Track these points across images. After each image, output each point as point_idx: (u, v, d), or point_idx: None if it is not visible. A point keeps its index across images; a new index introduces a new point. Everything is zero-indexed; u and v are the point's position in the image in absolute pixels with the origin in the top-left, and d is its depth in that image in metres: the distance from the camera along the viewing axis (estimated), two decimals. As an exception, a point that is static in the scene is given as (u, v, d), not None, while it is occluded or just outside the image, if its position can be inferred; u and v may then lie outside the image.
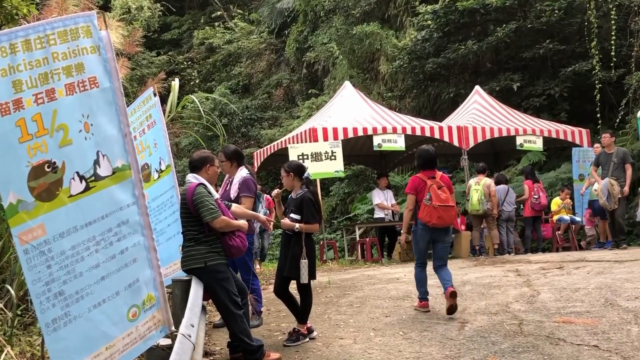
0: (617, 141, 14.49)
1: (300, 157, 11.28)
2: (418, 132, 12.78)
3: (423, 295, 6.73)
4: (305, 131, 12.35)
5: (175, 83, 7.52)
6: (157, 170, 6.16)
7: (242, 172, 6.31)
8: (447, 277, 6.45)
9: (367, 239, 13.20)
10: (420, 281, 6.71)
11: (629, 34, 15.24)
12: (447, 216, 6.47)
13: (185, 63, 29.85)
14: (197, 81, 29.17)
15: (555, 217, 12.72)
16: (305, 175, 6.06)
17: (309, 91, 24.80)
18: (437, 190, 6.52)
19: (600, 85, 14.43)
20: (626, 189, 10.52)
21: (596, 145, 11.96)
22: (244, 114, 25.18)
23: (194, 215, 4.85)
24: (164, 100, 8.28)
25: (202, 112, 10.33)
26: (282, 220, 6.00)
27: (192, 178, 5.02)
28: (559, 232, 12.78)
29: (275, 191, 6.31)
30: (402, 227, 7.20)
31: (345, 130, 12.07)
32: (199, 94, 22.78)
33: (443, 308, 6.54)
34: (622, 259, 8.60)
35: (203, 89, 27.74)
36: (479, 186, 11.85)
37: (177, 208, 5.35)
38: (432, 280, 6.78)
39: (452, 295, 6.23)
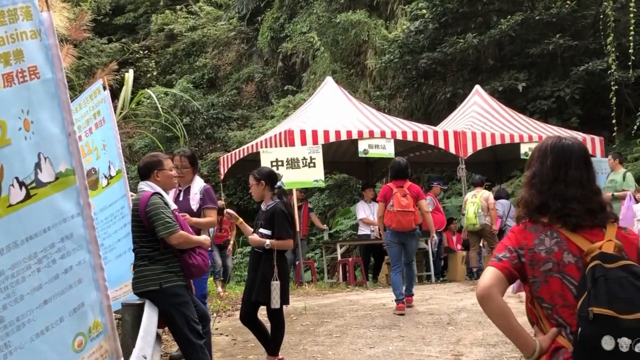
0: (635, 150, 14.78)
1: (274, 164, 11.29)
2: (410, 137, 12.88)
3: (398, 297, 8.28)
4: (280, 134, 12.37)
5: (129, 75, 7.50)
6: (105, 176, 6.13)
7: (200, 181, 6.30)
8: (409, 282, 8.44)
9: (350, 259, 13.24)
10: (396, 284, 8.31)
11: (650, 29, 15.53)
12: (405, 220, 8.32)
13: (141, 52, 29.72)
14: (154, 73, 29.04)
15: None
16: (278, 184, 6.07)
17: (285, 87, 24.84)
18: (401, 197, 8.39)
19: (616, 86, 14.65)
20: None
21: (608, 159, 12.11)
22: (209, 113, 25.11)
23: (147, 229, 4.82)
24: (115, 94, 8.26)
25: (160, 110, 10.30)
26: (250, 237, 6.00)
27: (146, 186, 4.98)
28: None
29: (227, 212, 6.30)
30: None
31: (326, 133, 12.11)
32: (156, 88, 22.67)
33: (435, 338, 6.59)
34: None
35: (162, 83, 27.62)
36: (476, 199, 11.98)
37: (128, 221, 5.32)
38: (422, 304, 6.81)
39: (407, 302, 8.34)
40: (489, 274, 2.42)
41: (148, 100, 19.26)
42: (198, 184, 6.24)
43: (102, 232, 5.89)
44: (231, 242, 11.72)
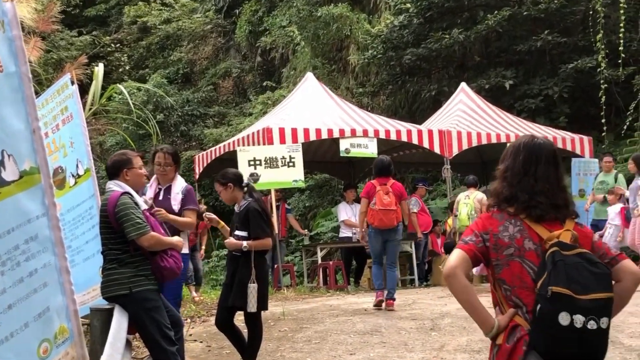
0: (625, 151, 14.93)
1: (252, 163, 11.28)
2: (393, 137, 12.92)
3: (378, 287, 8.90)
4: (258, 131, 12.36)
5: (100, 69, 7.44)
6: (73, 175, 6.09)
7: (182, 180, 6.29)
8: (391, 285, 8.82)
9: (331, 262, 13.25)
10: (376, 275, 9.01)
11: (640, 25, 15.72)
12: (386, 218, 8.74)
13: (112, 45, 29.54)
14: (127, 68, 28.91)
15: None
16: (245, 182, 6.08)
17: (264, 83, 24.81)
18: (383, 195, 8.79)
19: (606, 85, 14.82)
20: None
21: (606, 159, 12.25)
22: (184, 109, 25.02)
23: (116, 230, 4.79)
24: (85, 89, 8.21)
25: (132, 106, 10.25)
26: (226, 241, 5.99)
27: (114, 185, 4.95)
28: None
29: (207, 215, 6.29)
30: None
31: (306, 131, 12.12)
32: (129, 83, 22.53)
33: (418, 344, 6.62)
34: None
35: (134, 78, 27.48)
36: (469, 200, 12.05)
37: (97, 222, 5.29)
38: (404, 309, 6.83)
39: (379, 303, 8.76)
40: (455, 255, 2.76)
41: (120, 96, 19.17)
42: (180, 184, 6.23)
43: (69, 234, 5.86)
44: (203, 247, 11.68)
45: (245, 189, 6.06)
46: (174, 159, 6.25)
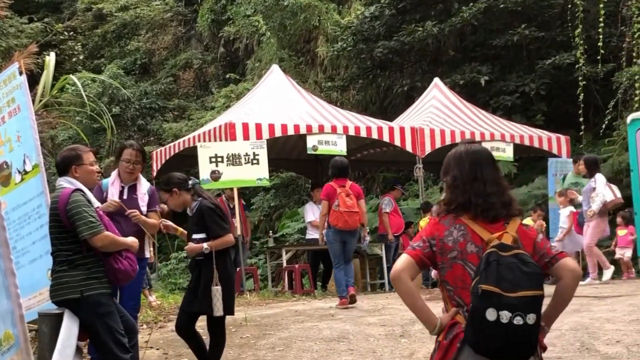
0: (603, 151, 15.16)
1: (213, 160, 11.22)
2: (363, 133, 12.95)
3: (342, 294, 9.37)
4: (220, 126, 12.30)
5: (51, 58, 7.37)
6: (20, 171, 6.02)
7: (145, 180, 6.28)
8: (349, 275, 9.60)
9: (297, 266, 13.25)
10: (339, 281, 9.49)
11: (620, 21, 15.95)
12: (351, 220, 9.45)
13: (66, 33, 29.22)
14: (81, 57, 28.61)
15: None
16: (191, 183, 6.07)
17: (227, 76, 24.74)
18: (345, 197, 9.39)
19: (584, 82, 15.01)
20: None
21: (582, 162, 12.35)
22: (142, 102, 24.85)
23: (68, 230, 4.75)
24: (36, 80, 8.10)
25: (85, 98, 10.14)
26: (186, 247, 5.97)
27: (65, 182, 4.91)
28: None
29: (163, 222, 6.27)
30: None
31: (271, 127, 12.09)
32: (82, 73, 22.30)
33: (387, 351, 6.65)
34: (602, 295, 8.97)
35: (89, 68, 27.23)
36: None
37: (46, 221, 5.23)
38: (373, 314, 6.85)
39: (352, 297, 9.30)
40: (402, 260, 3.08)
41: (73, 87, 18.93)
42: (145, 184, 6.25)
43: (15, 234, 5.79)
44: (151, 249, 11.55)
45: (193, 189, 6.03)
46: (143, 157, 6.26)
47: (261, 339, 7.54)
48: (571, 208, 11.77)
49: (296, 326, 8.12)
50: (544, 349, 3.12)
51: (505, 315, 2.81)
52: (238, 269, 12.25)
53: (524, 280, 2.86)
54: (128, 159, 6.11)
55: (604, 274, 10.99)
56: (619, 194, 11.00)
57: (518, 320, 2.81)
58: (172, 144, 14.41)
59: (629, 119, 12.29)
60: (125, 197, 6.12)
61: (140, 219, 5.84)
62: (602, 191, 10.63)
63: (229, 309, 5.94)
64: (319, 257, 13.24)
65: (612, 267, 11.01)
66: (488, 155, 3.26)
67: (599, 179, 10.78)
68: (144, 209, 6.09)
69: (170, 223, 6.28)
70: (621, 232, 12.04)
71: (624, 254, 11.92)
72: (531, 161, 16.51)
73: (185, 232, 6.23)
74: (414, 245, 3.12)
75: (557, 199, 12.17)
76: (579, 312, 7.78)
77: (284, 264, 13.04)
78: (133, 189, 6.18)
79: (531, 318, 2.83)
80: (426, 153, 13.25)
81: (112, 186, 6.14)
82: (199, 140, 12.45)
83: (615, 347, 6.21)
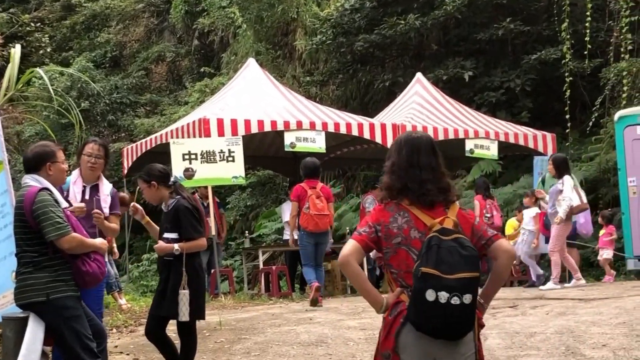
0: (590, 149, 15.30)
1: (187, 157, 11.19)
2: (343, 130, 12.97)
3: (310, 280, 9.96)
4: (194, 122, 12.27)
5: (17, 50, 7.32)
6: (-16, 168, 5.96)
7: (106, 181, 6.24)
8: (320, 279, 10.09)
9: (274, 267, 13.23)
10: (309, 272, 10.05)
11: (608, 15, 16.09)
12: (322, 223, 9.95)
13: (32, 25, 28.92)
14: (48, 50, 28.32)
15: (510, 243, 13.29)
16: (172, 179, 6.04)
17: (202, 69, 24.66)
18: (315, 199, 9.83)
19: (571, 78, 15.13)
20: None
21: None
22: (112, 97, 24.70)
23: (33, 230, 4.73)
24: (0, 73, 8.02)
25: (52, 92, 10.06)
26: (155, 246, 5.93)
27: (32, 180, 4.88)
28: (515, 262, 13.28)
29: (134, 205, 6.24)
30: None
31: (247, 123, 12.07)
32: (50, 66, 22.15)
33: (367, 356, 6.67)
34: (588, 297, 9.05)
35: (57, 61, 27.03)
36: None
37: (10, 221, 5.20)
38: (353, 318, 6.86)
39: (317, 289, 9.77)
40: (349, 245, 3.40)
41: (40, 81, 18.79)
42: (108, 185, 6.24)
43: (-22, 234, 5.74)
44: (115, 246, 11.49)
45: (173, 186, 6.00)
46: (106, 153, 6.20)
47: (236, 344, 7.53)
48: (536, 209, 11.76)
49: (273, 330, 8.12)
50: (482, 326, 3.43)
51: (443, 296, 3.12)
52: (213, 271, 12.25)
53: (462, 263, 3.18)
54: (90, 153, 6.06)
55: (572, 281, 10.83)
56: (584, 199, 10.89)
57: (455, 300, 3.12)
58: (143, 141, 14.34)
59: (616, 116, 12.44)
60: (87, 197, 6.08)
61: (102, 222, 5.81)
62: (570, 195, 10.39)
63: (199, 313, 5.91)
64: (297, 258, 13.23)
65: (583, 280, 10.88)
66: (428, 142, 3.52)
67: (567, 181, 10.51)
68: (106, 210, 6.06)
69: (140, 208, 6.25)
70: (600, 232, 12.12)
71: (602, 255, 11.98)
72: (516, 159, 16.62)
73: (153, 224, 6.21)
74: (360, 231, 3.43)
75: (524, 200, 12.22)
76: (564, 315, 7.86)
77: (261, 266, 13.04)
78: (95, 189, 6.13)
79: (467, 298, 3.15)
80: (408, 151, 13.27)
81: (75, 185, 6.09)
82: (172, 137, 12.41)
83: (602, 351, 6.26)
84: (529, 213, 11.87)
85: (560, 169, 10.64)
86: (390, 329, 3.35)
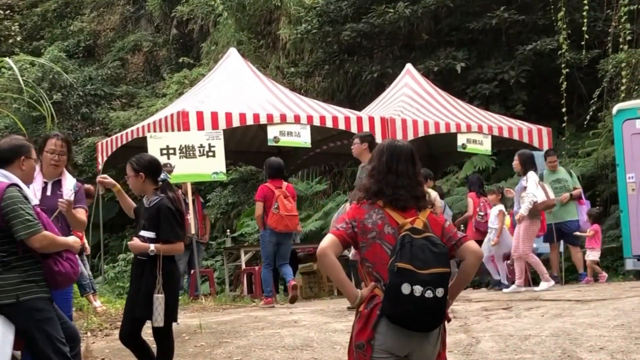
0: (587, 144, 15.37)
1: (165, 152, 11.16)
2: (329, 124, 12.97)
3: (268, 294, 10.56)
4: (172, 115, 12.23)
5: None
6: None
7: (69, 175, 6.20)
8: (288, 272, 10.67)
9: (257, 268, 13.20)
10: (267, 281, 10.62)
11: (606, 3, 16.16)
12: (291, 224, 10.50)
13: (1, 12, 28.82)
14: (18, 39, 28.24)
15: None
16: (162, 176, 6.00)
17: (180, 60, 24.61)
18: (284, 200, 10.25)
19: (567, 70, 15.18)
20: None
21: (550, 159, 12.31)
22: (86, 88, 24.63)
23: (2, 228, 4.69)
24: (-34, 63, 7.97)
25: (23, 83, 10.01)
26: (129, 242, 5.89)
27: (0, 176, 4.85)
28: (509, 261, 13.31)
29: (101, 177, 6.26)
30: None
31: (228, 116, 12.05)
32: (20, 56, 22.03)
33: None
34: (585, 299, 9.09)
35: (27, 50, 26.91)
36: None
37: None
38: (338, 320, 6.87)
39: (294, 288, 10.46)
40: (328, 239, 3.78)
41: (9, 72, 18.71)
42: (71, 180, 6.16)
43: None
44: (85, 241, 11.42)
45: (161, 183, 5.96)
46: (68, 148, 6.15)
47: (217, 348, 7.53)
48: (500, 207, 11.62)
49: (256, 333, 8.11)
50: (448, 320, 3.82)
51: (418, 290, 3.52)
52: (193, 272, 12.23)
53: (434, 260, 3.59)
54: (52, 150, 6.01)
55: (541, 284, 10.77)
56: (552, 195, 10.87)
57: (429, 294, 3.53)
58: (119, 135, 14.29)
59: (614, 109, 12.49)
60: (49, 193, 6.02)
61: (69, 210, 5.75)
62: (533, 191, 10.38)
63: (172, 316, 5.89)
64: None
65: (552, 282, 10.79)
66: (408, 151, 3.92)
67: (531, 177, 10.49)
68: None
69: (109, 179, 6.27)
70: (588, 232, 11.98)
71: (588, 256, 11.84)
72: (510, 154, 16.57)
73: (127, 197, 6.25)
74: (338, 227, 3.82)
75: (489, 197, 12.16)
76: (560, 317, 7.89)
77: (243, 266, 13.04)
78: (58, 185, 6.09)
79: (440, 291, 3.56)
80: (397, 145, 13.27)
81: (35, 181, 6.04)
82: (149, 131, 12.38)
83: (599, 354, 6.30)
84: (494, 211, 11.70)
85: (526, 165, 10.65)
86: (367, 321, 3.70)
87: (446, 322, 3.80)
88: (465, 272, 3.87)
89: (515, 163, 10.92)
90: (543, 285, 10.64)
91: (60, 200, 5.80)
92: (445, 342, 3.85)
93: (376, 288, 3.72)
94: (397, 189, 3.81)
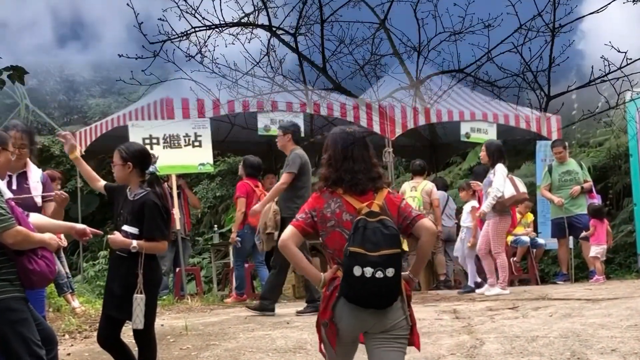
0: (598, 134, 15.39)
1: (147, 142, 11.15)
2: (324, 112, 12.95)
3: (240, 291, 11.50)
4: (155, 102, 12.24)
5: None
6: None
7: (34, 166, 6.20)
8: (264, 275, 11.31)
9: (247, 265, 13.22)
10: (242, 277, 11.65)
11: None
12: None
13: (-28, -9, 28.71)
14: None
15: (510, 238, 13.22)
16: (151, 169, 5.98)
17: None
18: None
19: (578, 53, 15.19)
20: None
21: (557, 149, 12.25)
22: (64, 73, 24.57)
23: (-26, 224, 4.70)
24: None
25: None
26: (110, 236, 5.84)
27: (-30, 170, 4.86)
28: (515, 259, 13.34)
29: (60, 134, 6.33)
30: None
31: (215, 103, 12.03)
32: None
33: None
34: (596, 297, 9.12)
35: None
36: (416, 192, 12.13)
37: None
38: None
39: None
40: (288, 231, 4.28)
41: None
42: (37, 171, 6.16)
43: None
44: (62, 236, 11.40)
45: (148, 176, 5.93)
46: (30, 140, 6.14)
47: (204, 351, 7.53)
48: (474, 203, 11.48)
49: (245, 335, 8.12)
50: (410, 297, 4.25)
51: (368, 271, 3.95)
52: (178, 270, 12.23)
53: (384, 241, 4.01)
54: (12, 142, 6.01)
55: (485, 286, 10.66)
56: (522, 188, 10.59)
57: (379, 274, 3.95)
58: (98, 123, 14.30)
59: (627, 96, 12.48)
60: (14, 187, 6.02)
61: (62, 205, 5.79)
62: (498, 185, 10.14)
63: (153, 317, 5.88)
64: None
65: (507, 291, 10.41)
66: (360, 137, 4.40)
67: (499, 170, 10.28)
68: (38, 200, 6.04)
69: (68, 136, 6.40)
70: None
71: (591, 252, 11.61)
72: (517, 145, 16.66)
73: (87, 166, 6.35)
74: (298, 217, 4.32)
75: (460, 194, 12.12)
76: (569, 317, 7.91)
77: (232, 264, 13.02)
78: (23, 177, 6.09)
79: (390, 272, 3.98)
80: (396, 135, 13.28)
81: None
82: (131, 119, 12.38)
83: (611, 357, 6.31)
84: (466, 208, 11.64)
85: (495, 156, 10.37)
86: (328, 302, 4.19)
87: (406, 298, 4.20)
88: (422, 249, 4.35)
89: (483, 154, 10.62)
90: (486, 288, 10.49)
91: (57, 192, 5.93)
92: (413, 317, 4.27)
93: (339, 270, 4.18)
94: (355, 174, 4.26)
